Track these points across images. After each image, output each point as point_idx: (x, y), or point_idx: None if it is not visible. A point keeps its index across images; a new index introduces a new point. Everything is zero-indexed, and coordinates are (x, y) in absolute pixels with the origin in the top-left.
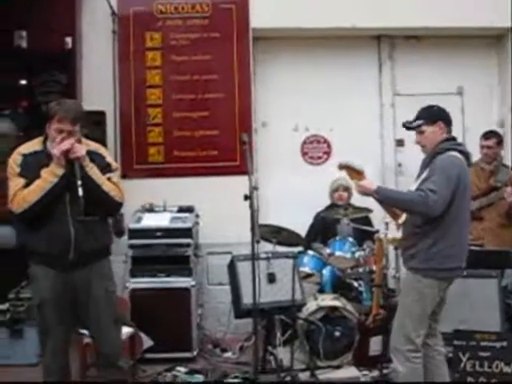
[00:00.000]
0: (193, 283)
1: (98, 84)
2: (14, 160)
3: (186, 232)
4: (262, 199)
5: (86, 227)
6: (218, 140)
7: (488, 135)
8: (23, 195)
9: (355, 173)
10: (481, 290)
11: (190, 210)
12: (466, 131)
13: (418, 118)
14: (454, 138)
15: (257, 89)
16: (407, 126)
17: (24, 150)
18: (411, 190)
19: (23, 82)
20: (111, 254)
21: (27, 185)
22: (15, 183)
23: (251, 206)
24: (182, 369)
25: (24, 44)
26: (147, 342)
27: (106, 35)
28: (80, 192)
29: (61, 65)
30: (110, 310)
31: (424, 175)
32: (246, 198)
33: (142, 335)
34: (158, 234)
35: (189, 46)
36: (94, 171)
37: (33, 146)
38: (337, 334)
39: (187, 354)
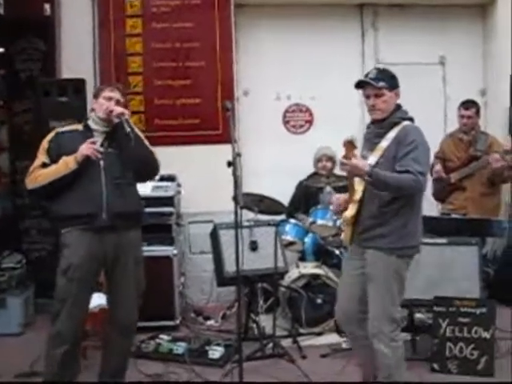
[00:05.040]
0: (175, 252)
1: (78, 51)
2: (48, 136)
3: (168, 201)
4: (244, 168)
5: (118, 190)
6: (199, 108)
7: (467, 105)
8: (37, 175)
9: (352, 152)
10: (461, 258)
11: (171, 178)
12: (447, 100)
13: (378, 78)
14: (400, 106)
15: (239, 57)
16: (368, 82)
17: (61, 129)
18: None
19: (0, 49)
20: (142, 223)
21: (45, 165)
22: (38, 160)
23: (234, 172)
24: (165, 337)
25: (1, 10)
26: None
27: (85, 2)
28: (132, 143)
29: (39, 32)
30: (134, 280)
31: (384, 146)
32: (230, 164)
33: None
34: None
35: (169, 13)
36: (140, 134)
37: (72, 127)
38: (318, 301)
39: (170, 323)
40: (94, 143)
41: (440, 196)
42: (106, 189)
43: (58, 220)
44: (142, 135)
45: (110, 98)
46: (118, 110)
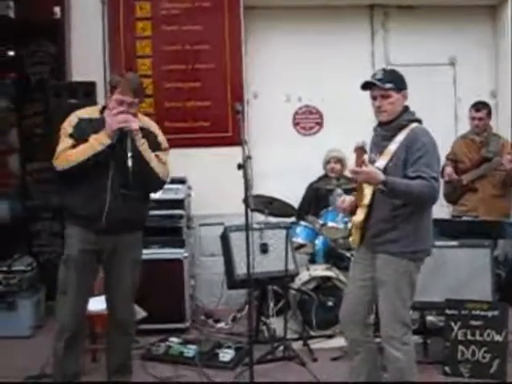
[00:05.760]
0: (185, 254)
1: (88, 54)
2: (70, 122)
3: (179, 203)
4: (253, 170)
5: (122, 199)
6: (209, 111)
7: (478, 106)
8: (67, 155)
9: (361, 158)
10: (473, 260)
11: (182, 181)
12: (457, 102)
13: (385, 80)
14: (408, 108)
15: (248, 59)
16: (374, 83)
17: (82, 115)
18: (405, 180)
19: (11, 52)
20: (143, 227)
21: (74, 146)
22: (64, 142)
23: (245, 174)
24: (175, 339)
25: (12, 14)
26: (140, 314)
27: (95, 5)
28: (129, 163)
29: (50, 35)
30: (131, 280)
31: (392, 149)
32: (240, 167)
33: (135, 306)
34: (150, 205)
35: (179, 16)
36: (144, 147)
37: (92, 112)
38: (329, 303)
39: (180, 325)
40: (121, 112)
41: (451, 198)
42: (110, 195)
43: (65, 214)
44: (147, 153)
45: (121, 102)
46: (129, 127)
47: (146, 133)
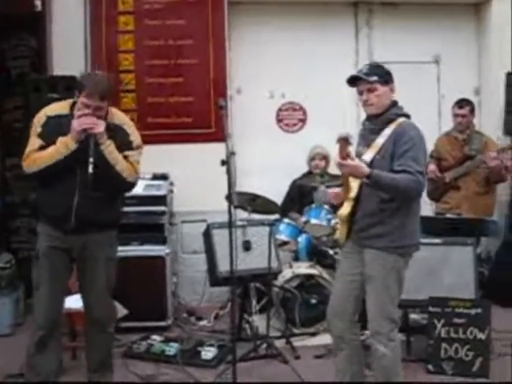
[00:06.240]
0: (167, 251)
1: (69, 48)
2: (38, 120)
3: (160, 200)
4: (237, 167)
5: (90, 200)
6: (192, 107)
7: (461, 103)
8: (34, 157)
9: (346, 150)
10: (456, 258)
11: (164, 177)
12: (441, 99)
13: (370, 73)
14: (396, 103)
15: (232, 54)
16: (360, 77)
17: (50, 112)
18: (391, 173)
19: None
20: (117, 225)
21: (42, 147)
22: (32, 143)
23: (228, 171)
24: (157, 337)
25: None
26: (121, 311)
27: None
28: (90, 169)
29: (30, 28)
30: (105, 277)
31: (380, 143)
32: (223, 163)
33: (117, 304)
34: (132, 201)
35: (162, 10)
36: (109, 150)
37: (60, 108)
38: (312, 301)
39: (162, 323)
40: (85, 115)
41: (434, 195)
42: (77, 197)
43: (38, 211)
44: (113, 156)
45: (87, 106)
46: (91, 130)
47: (117, 130)
